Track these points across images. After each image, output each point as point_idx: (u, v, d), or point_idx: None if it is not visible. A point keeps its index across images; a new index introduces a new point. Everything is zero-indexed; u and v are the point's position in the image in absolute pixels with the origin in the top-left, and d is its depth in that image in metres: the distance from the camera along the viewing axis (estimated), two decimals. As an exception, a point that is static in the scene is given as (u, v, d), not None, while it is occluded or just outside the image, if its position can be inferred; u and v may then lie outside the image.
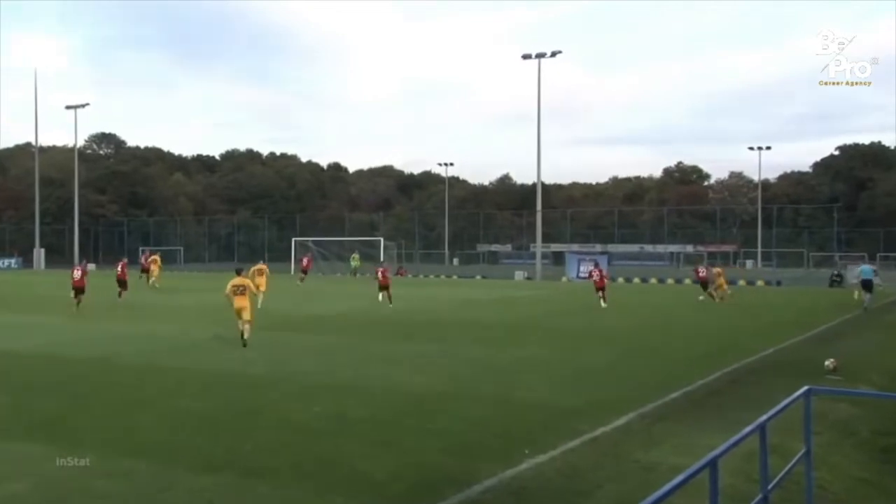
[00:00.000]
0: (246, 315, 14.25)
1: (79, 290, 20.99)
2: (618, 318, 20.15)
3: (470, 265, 66.04)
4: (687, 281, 38.69)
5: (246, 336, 14.04)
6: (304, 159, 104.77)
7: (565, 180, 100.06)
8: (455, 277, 48.37)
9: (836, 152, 80.00)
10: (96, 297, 23.34)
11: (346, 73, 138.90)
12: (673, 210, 70.86)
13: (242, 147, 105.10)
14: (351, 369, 11.71)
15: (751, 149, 67.99)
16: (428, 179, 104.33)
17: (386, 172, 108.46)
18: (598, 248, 64.76)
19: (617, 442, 7.51)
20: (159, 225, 71.68)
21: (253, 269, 23.37)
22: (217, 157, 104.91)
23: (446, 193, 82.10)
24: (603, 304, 23.38)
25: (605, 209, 75.67)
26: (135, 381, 10.60)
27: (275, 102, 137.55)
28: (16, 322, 18.58)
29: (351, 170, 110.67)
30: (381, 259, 49.13)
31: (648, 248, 68.43)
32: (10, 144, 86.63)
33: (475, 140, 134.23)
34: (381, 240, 52.51)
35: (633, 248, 69.31)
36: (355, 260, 47.75)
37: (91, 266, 39.33)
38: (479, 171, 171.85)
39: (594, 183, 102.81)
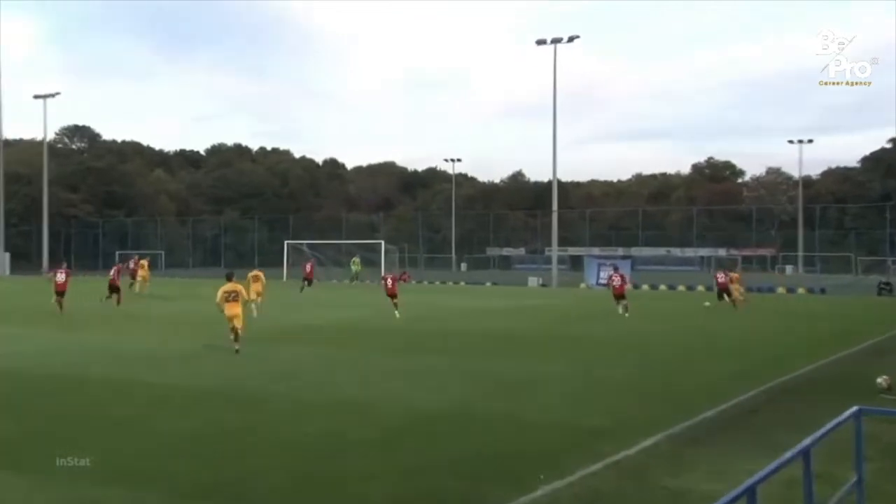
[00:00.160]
0: (238, 322, 14.85)
1: (61, 293, 22.32)
2: (642, 329, 20.08)
3: (479, 271, 66.06)
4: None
5: (237, 346, 14.66)
6: (297, 155, 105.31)
7: (584, 177, 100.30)
8: (463, 284, 48.36)
9: (889, 145, 79.45)
10: (73, 303, 23.59)
11: (344, 62, 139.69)
12: (703, 210, 70.75)
13: (230, 141, 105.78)
14: (349, 384, 11.71)
15: (790, 142, 67.92)
16: (433, 177, 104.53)
17: (387, 169, 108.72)
18: (621, 251, 64.76)
19: (642, 466, 7.46)
20: (138, 226, 72.00)
21: (248, 275, 23.72)
22: (202, 153, 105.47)
23: (453, 192, 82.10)
24: (624, 313, 23.31)
25: (627, 209, 75.64)
26: (110, 399, 10.60)
27: (265, 93, 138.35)
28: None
29: (349, 166, 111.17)
30: (383, 264, 49.38)
31: (676, 251, 68.34)
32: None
33: (484, 134, 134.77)
34: (382, 243, 52.57)
35: (659, 251, 69.26)
36: (356, 265, 47.86)
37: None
38: (488, 167, 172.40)
39: (616, 180, 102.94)
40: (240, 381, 11.93)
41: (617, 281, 24.47)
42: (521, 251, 76.81)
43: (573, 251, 63.42)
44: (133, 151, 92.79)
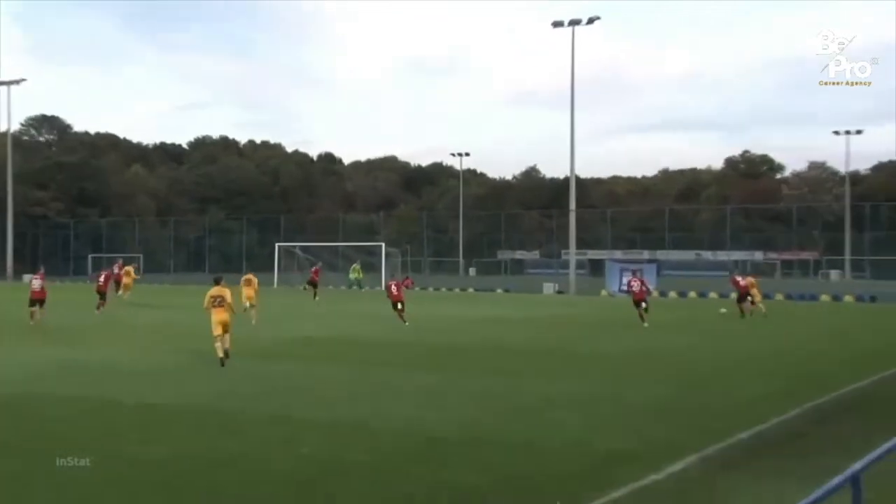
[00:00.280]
0: (221, 330, 15.03)
1: (40, 301, 22.58)
2: (670, 341, 20.09)
3: (489, 276, 66.15)
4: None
5: (222, 355, 14.91)
6: (289, 149, 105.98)
7: (605, 173, 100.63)
8: (471, 291, 48.41)
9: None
10: (61, 316, 23.99)
11: (342, 45, 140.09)
12: (737, 209, 70.59)
13: (215, 133, 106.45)
14: (347, 404, 11.70)
15: (836, 133, 67.85)
16: (438, 173, 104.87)
17: (387, 165, 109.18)
18: (646, 255, 64.70)
19: (672, 493, 7.43)
20: (113, 227, 72.29)
21: (241, 279, 24.00)
22: (184, 146, 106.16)
23: (460, 190, 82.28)
24: (644, 323, 23.41)
25: (653, 208, 75.58)
26: (74, 422, 10.43)
27: (254, 79, 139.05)
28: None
29: (346, 161, 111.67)
30: (384, 268, 49.45)
31: (707, 255, 68.26)
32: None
33: (495, 126, 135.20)
34: (383, 246, 52.73)
35: (689, 255, 69.20)
36: (356, 272, 48.05)
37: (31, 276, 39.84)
38: (499, 162, 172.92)
39: (640, 177, 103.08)
40: (223, 400, 11.91)
41: (636, 286, 24.54)
42: (536, 255, 76.86)
43: (593, 255, 63.42)
44: (108, 144, 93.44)
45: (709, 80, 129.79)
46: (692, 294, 42.27)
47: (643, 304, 23.98)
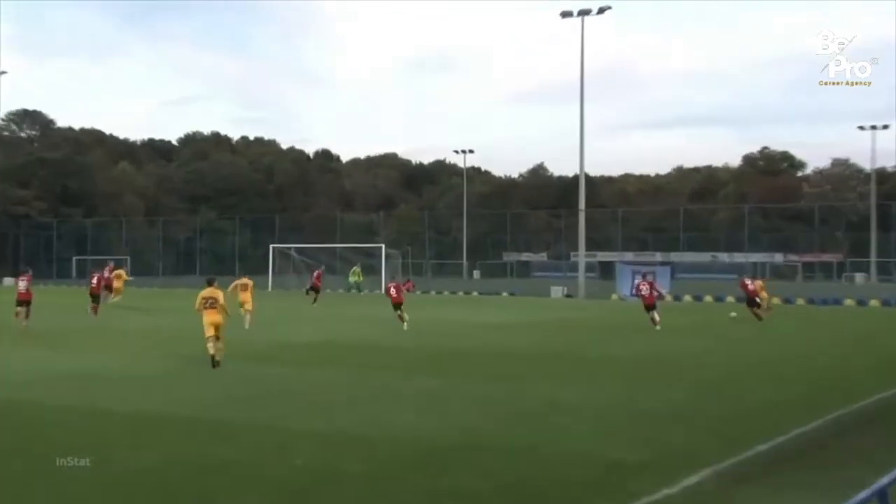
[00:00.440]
0: (213, 331, 15.29)
1: (26, 302, 22.92)
2: (684, 347, 20.12)
3: (494, 279, 66.06)
4: (775, 300, 38.40)
5: (217, 357, 15.18)
6: (284, 146, 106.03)
7: (616, 171, 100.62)
8: (475, 295, 48.46)
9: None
10: (51, 321, 24.11)
11: (340, 39, 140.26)
12: (756, 209, 70.56)
13: (206, 129, 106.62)
14: (344, 411, 11.72)
15: (861, 128, 67.67)
16: (441, 171, 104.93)
17: (387, 162, 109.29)
18: (659, 257, 64.68)
19: (686, 507, 7.41)
20: (99, 227, 72.39)
21: (237, 283, 23.98)
22: (174, 142, 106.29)
23: (464, 188, 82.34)
24: (656, 327, 23.48)
25: (666, 208, 75.58)
26: (62, 429, 10.48)
27: (248, 73, 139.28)
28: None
29: (344, 159, 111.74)
30: (384, 271, 49.48)
31: (723, 257, 68.20)
32: None
33: (500, 122, 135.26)
34: (383, 247, 52.78)
35: (704, 257, 69.12)
36: (356, 274, 48.11)
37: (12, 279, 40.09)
38: (505, 160, 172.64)
39: (653, 175, 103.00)
40: (215, 407, 11.93)
41: (646, 289, 24.64)
42: (543, 257, 76.87)
43: (603, 257, 63.41)
44: (93, 140, 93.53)
45: (725, 73, 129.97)
46: (708, 298, 42.14)
47: (654, 309, 24.07)
